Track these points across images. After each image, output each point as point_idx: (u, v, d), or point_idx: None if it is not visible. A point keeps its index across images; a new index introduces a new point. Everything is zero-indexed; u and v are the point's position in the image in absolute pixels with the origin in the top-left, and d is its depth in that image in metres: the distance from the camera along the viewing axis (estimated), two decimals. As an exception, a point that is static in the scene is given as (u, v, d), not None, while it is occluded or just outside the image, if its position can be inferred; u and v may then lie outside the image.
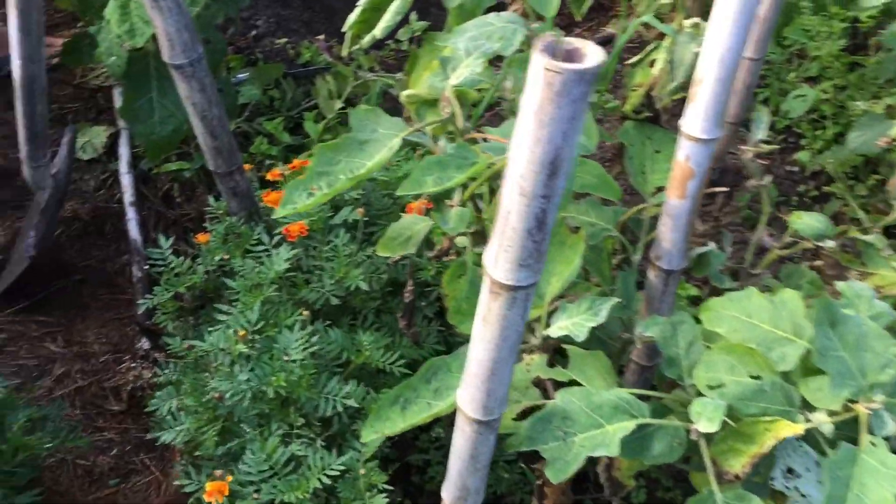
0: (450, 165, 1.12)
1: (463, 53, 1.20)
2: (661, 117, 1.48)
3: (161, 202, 2.12)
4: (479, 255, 1.33)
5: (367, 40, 1.49)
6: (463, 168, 1.12)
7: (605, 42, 2.71)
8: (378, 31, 1.44)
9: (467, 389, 0.95)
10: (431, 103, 1.32)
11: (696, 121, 1.15)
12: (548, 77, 0.62)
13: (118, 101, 2.28)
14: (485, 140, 1.25)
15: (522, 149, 0.68)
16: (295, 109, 2.30)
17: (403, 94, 1.34)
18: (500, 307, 0.81)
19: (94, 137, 2.24)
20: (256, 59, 2.52)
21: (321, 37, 2.65)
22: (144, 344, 1.80)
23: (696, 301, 1.86)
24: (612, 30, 2.73)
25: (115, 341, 1.86)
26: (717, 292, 1.65)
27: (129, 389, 1.76)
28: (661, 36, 1.57)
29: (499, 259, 0.78)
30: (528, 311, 0.83)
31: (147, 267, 1.82)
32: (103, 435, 1.71)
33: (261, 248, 1.52)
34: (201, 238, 1.58)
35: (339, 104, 2.08)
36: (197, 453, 1.44)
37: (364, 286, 1.41)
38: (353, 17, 1.49)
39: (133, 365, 1.78)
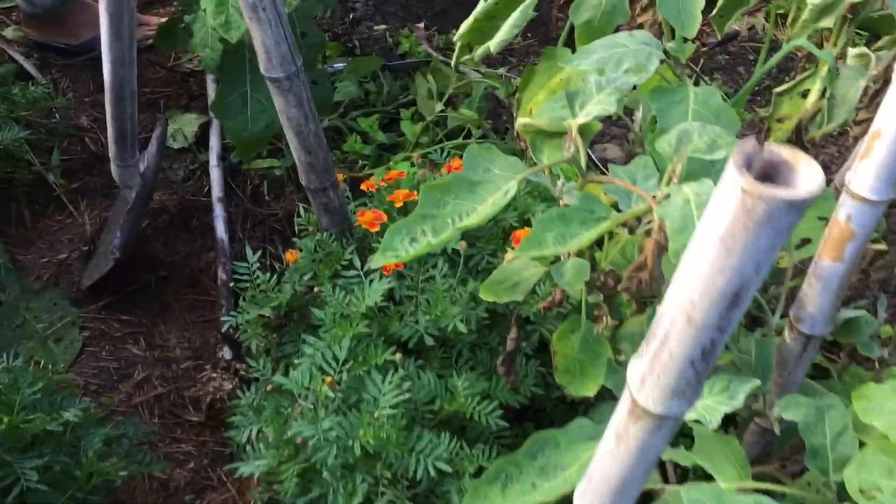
0: (573, 220, 0.98)
1: (594, 88, 1.05)
2: (808, 153, 1.30)
3: (249, 199, 2.04)
4: (595, 305, 1.20)
5: (479, 53, 1.35)
6: (588, 224, 0.98)
7: (728, 39, 2.50)
8: (493, 45, 1.30)
9: (587, 499, 0.82)
10: (549, 135, 1.18)
11: (866, 179, 0.98)
12: (747, 202, 0.48)
13: (211, 87, 2.21)
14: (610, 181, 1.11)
15: (697, 274, 0.54)
16: (391, 104, 2.18)
17: (519, 123, 1.20)
18: (641, 431, 0.68)
19: (185, 126, 2.17)
20: (353, 45, 2.41)
21: (421, 25, 2.53)
22: (226, 353, 1.73)
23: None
24: (735, 26, 2.51)
25: (197, 347, 1.80)
26: (855, 354, 1.48)
27: (208, 400, 1.69)
28: (810, 58, 1.38)
29: (646, 382, 0.64)
30: (673, 435, 0.69)
31: (232, 282, 1.74)
32: (180, 447, 1.65)
33: (352, 272, 1.41)
34: (290, 257, 1.48)
35: (438, 106, 1.94)
36: (275, 486, 1.36)
37: (462, 328, 1.30)
38: (464, 27, 1.35)
39: (214, 375, 1.71)
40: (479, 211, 1.02)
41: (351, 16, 2.62)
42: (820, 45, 1.36)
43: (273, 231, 1.99)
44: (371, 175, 1.96)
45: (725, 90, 2.32)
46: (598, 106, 1.03)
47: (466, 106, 1.95)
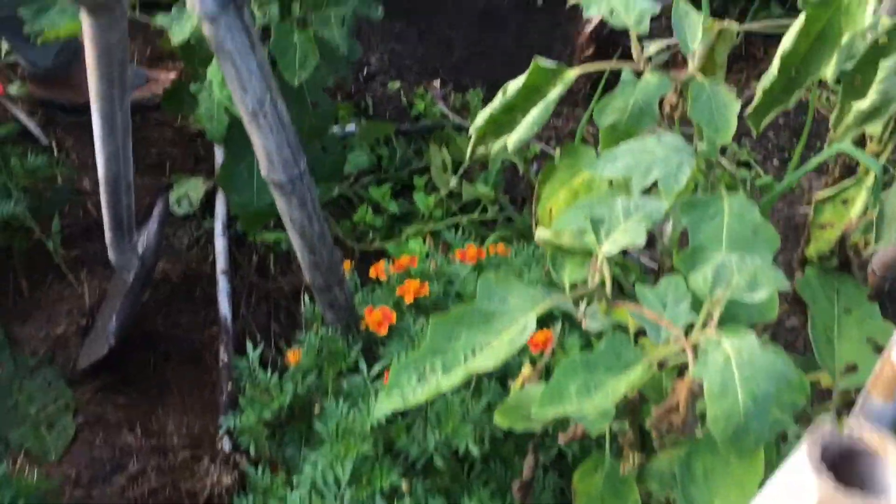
0: (598, 366, 0.89)
1: (620, 213, 0.96)
2: (851, 263, 1.20)
3: (255, 271, 1.96)
4: (620, 436, 1.10)
5: (495, 149, 1.26)
6: (615, 371, 0.88)
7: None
8: (510, 144, 1.21)
9: None
10: (572, 251, 1.08)
11: (925, 323, 0.88)
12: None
13: (218, 150, 2.13)
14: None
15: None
16: (404, 169, 2.10)
17: (538, 236, 1.12)
18: None
19: (190, 190, 2.10)
20: (366, 105, 2.33)
21: (436, 82, 2.45)
22: (226, 444, 1.63)
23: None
24: (763, 87, 2.42)
25: (196, 434, 1.71)
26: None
27: (206, 495, 1.60)
28: (846, 157, 1.29)
29: None
30: None
31: (231, 382, 1.65)
32: (175, 547, 1.56)
33: (358, 378, 1.32)
34: (292, 358, 1.40)
35: (454, 181, 1.86)
36: None
37: (474, 450, 1.20)
38: (479, 120, 1.26)
39: (212, 468, 1.62)
40: (495, 347, 0.93)
41: (365, 70, 2.55)
42: (863, 144, 1.27)
43: (278, 307, 1.90)
44: (383, 252, 1.87)
45: (754, 157, 2.22)
46: (625, 235, 0.94)
47: (483, 180, 1.87)
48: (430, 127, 2.17)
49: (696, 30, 1.15)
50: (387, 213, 1.98)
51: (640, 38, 1.18)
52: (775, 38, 2.70)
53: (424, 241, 1.82)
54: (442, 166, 1.91)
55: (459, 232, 1.72)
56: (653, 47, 1.15)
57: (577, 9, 3.10)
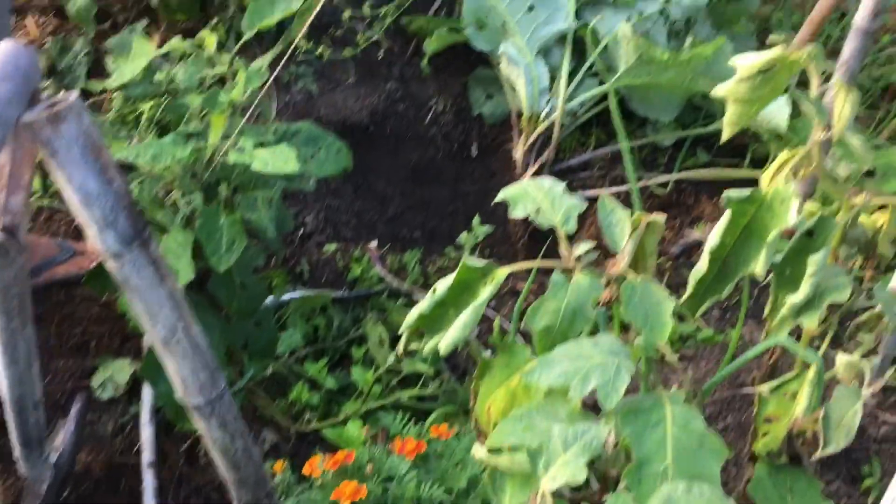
0: None
1: (559, 443, 0.90)
2: (803, 458, 1.16)
3: (184, 460, 1.85)
4: None
5: (427, 348, 1.21)
6: None
7: (690, 249, 2.42)
8: (443, 347, 1.16)
9: None
10: (511, 472, 1.02)
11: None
12: None
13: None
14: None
15: None
16: (342, 339, 2.03)
17: (475, 454, 1.05)
18: None
19: (116, 373, 1.99)
20: (301, 271, 2.28)
21: (373, 244, 2.42)
22: None
23: None
24: (699, 234, 2.44)
25: None
26: None
27: None
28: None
29: None
30: None
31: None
32: None
33: None
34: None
35: (391, 358, 1.80)
36: None
37: None
38: (410, 318, 1.22)
39: None
40: None
41: (301, 231, 2.51)
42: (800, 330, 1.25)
43: (209, 501, 1.78)
44: (319, 434, 1.79)
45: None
46: (565, 470, 0.88)
47: (421, 356, 1.81)
48: (368, 294, 2.13)
49: (623, 227, 1.14)
50: (324, 388, 1.90)
51: (568, 236, 1.16)
52: (706, 185, 2.75)
53: (364, 422, 1.74)
54: (379, 341, 1.86)
55: (399, 414, 1.65)
56: (582, 247, 1.13)
57: (511, 157, 3.13)
